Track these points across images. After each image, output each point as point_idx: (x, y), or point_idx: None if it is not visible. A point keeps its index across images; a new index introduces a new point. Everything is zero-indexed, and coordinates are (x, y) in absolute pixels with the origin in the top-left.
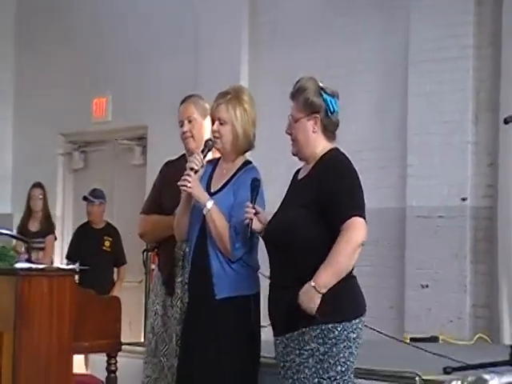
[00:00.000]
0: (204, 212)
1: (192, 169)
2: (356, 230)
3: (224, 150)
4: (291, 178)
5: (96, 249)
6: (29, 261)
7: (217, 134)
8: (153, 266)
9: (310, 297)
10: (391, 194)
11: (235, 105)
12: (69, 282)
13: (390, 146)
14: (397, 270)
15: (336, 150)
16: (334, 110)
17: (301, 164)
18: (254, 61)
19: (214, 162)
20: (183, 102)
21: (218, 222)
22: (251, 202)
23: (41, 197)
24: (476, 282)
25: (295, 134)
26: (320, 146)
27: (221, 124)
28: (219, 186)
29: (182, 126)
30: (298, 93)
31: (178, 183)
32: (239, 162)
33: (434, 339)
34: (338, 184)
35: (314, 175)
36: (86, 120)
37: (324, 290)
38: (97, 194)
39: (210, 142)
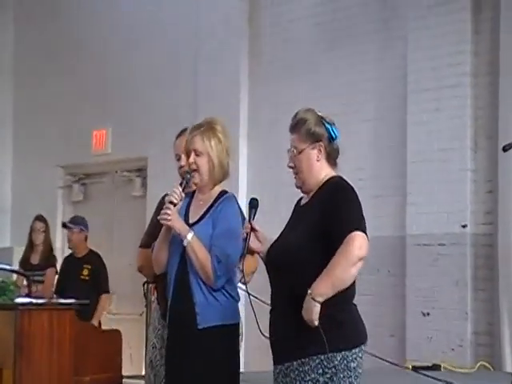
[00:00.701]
0: (185, 243)
1: (171, 202)
2: (354, 244)
3: (201, 182)
4: (293, 205)
5: (74, 278)
6: (29, 295)
7: (194, 166)
8: (153, 298)
9: (309, 307)
10: (391, 222)
11: (209, 136)
12: (69, 316)
13: (389, 175)
14: (397, 298)
15: (339, 177)
16: (335, 137)
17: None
18: (253, 91)
19: (190, 194)
20: (180, 135)
21: (200, 253)
22: (249, 220)
23: (43, 230)
24: (477, 309)
25: (299, 166)
26: (323, 172)
27: (197, 155)
28: (197, 218)
29: (179, 159)
30: (298, 125)
31: (158, 217)
32: (215, 192)
33: (435, 367)
34: (340, 205)
35: (316, 199)
36: (85, 152)
37: (320, 299)
38: (76, 221)
39: (188, 176)
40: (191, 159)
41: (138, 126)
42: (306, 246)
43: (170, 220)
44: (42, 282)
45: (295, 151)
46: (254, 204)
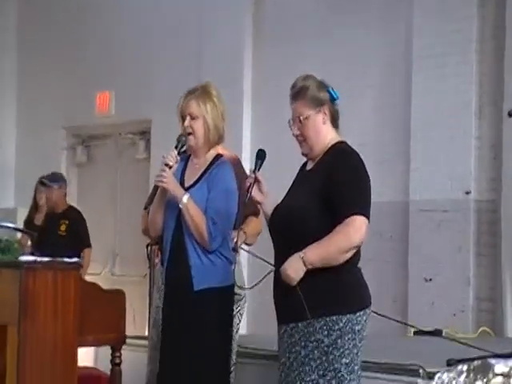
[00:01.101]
0: (180, 206)
1: (167, 165)
2: (356, 231)
3: (197, 145)
4: (298, 169)
5: (52, 233)
6: (34, 254)
7: (189, 130)
8: (156, 260)
9: (297, 268)
10: (395, 187)
11: (205, 99)
12: (74, 276)
13: (393, 141)
14: (400, 264)
15: (345, 143)
16: (337, 97)
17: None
18: (258, 56)
19: (185, 158)
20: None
21: (195, 214)
22: (254, 170)
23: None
24: (479, 276)
25: (306, 132)
26: (329, 136)
27: (192, 119)
28: (193, 181)
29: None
30: (301, 92)
31: (154, 180)
32: (210, 156)
33: (437, 333)
34: (347, 177)
35: (322, 165)
36: (89, 114)
37: (310, 267)
38: (55, 178)
39: (184, 138)
40: (186, 123)
41: (141, 89)
42: (309, 211)
43: (165, 182)
44: None
45: (301, 118)
46: (260, 155)
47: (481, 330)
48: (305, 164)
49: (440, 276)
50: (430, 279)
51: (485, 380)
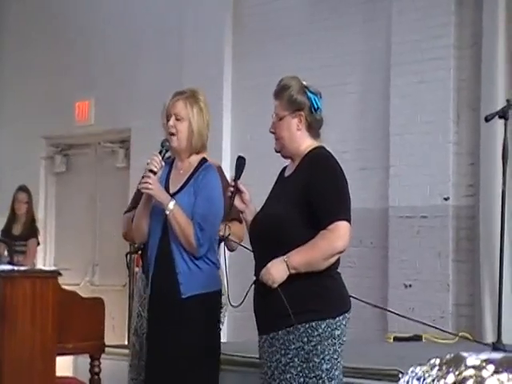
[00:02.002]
0: (167, 212)
1: (151, 171)
2: (340, 237)
3: (179, 147)
4: (277, 176)
5: None
6: (11, 263)
7: (173, 130)
8: (137, 269)
9: (280, 270)
10: (374, 194)
11: (192, 103)
12: (52, 284)
13: (372, 147)
14: (380, 270)
15: (322, 148)
16: (317, 108)
17: (286, 162)
18: (238, 63)
19: (169, 163)
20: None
21: (182, 221)
22: (235, 178)
23: (25, 200)
24: (458, 281)
25: (279, 132)
26: (304, 143)
27: (177, 120)
28: (178, 187)
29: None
30: (281, 91)
31: (138, 186)
32: (195, 161)
33: (417, 338)
34: (327, 183)
35: (299, 172)
36: (68, 123)
37: (293, 271)
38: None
39: (167, 143)
40: (171, 122)
41: (121, 98)
42: (287, 219)
43: (150, 189)
44: (23, 252)
45: (276, 117)
46: (240, 163)
47: (460, 335)
48: (283, 170)
49: (419, 282)
50: (410, 285)
51: (457, 372)
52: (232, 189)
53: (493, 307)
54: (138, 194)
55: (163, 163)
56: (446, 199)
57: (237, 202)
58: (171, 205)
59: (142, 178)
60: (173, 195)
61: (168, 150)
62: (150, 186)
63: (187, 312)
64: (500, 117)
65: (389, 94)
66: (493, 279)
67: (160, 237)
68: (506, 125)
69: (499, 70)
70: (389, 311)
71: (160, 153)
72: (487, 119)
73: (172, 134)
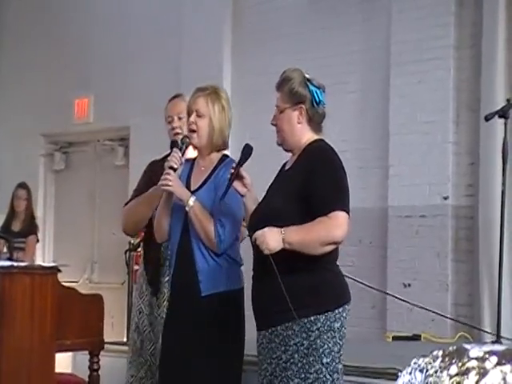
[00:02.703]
0: (187, 209)
1: (171, 167)
2: (338, 226)
3: (200, 144)
4: (278, 170)
5: None
6: (10, 259)
7: (194, 126)
8: (136, 267)
9: (277, 239)
10: (373, 193)
11: (214, 100)
12: (51, 280)
13: (371, 147)
14: (379, 270)
15: (321, 140)
16: (319, 101)
17: (287, 157)
18: (237, 61)
19: (191, 162)
20: (174, 98)
21: (202, 217)
22: (238, 163)
23: (25, 197)
24: (457, 281)
25: (280, 125)
26: (305, 136)
27: (198, 116)
28: (199, 184)
29: (171, 121)
30: (283, 83)
31: (159, 183)
32: (216, 157)
33: (416, 338)
34: (325, 174)
35: (298, 165)
36: (67, 121)
37: (287, 246)
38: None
39: (187, 139)
40: (192, 118)
41: (120, 95)
42: (287, 210)
43: (170, 186)
44: (22, 249)
45: (277, 110)
46: (246, 150)
47: (459, 335)
48: (285, 164)
49: (418, 281)
50: (409, 285)
51: (459, 364)
52: (232, 171)
53: (492, 307)
54: (139, 191)
55: (183, 159)
56: (445, 199)
57: (238, 186)
58: (191, 201)
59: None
60: (193, 192)
61: (188, 146)
62: (169, 183)
63: (207, 310)
64: (500, 116)
65: (388, 93)
66: (492, 279)
67: (181, 234)
68: (505, 124)
69: (499, 71)
70: (387, 294)
71: (180, 149)
72: (487, 118)
73: (193, 131)
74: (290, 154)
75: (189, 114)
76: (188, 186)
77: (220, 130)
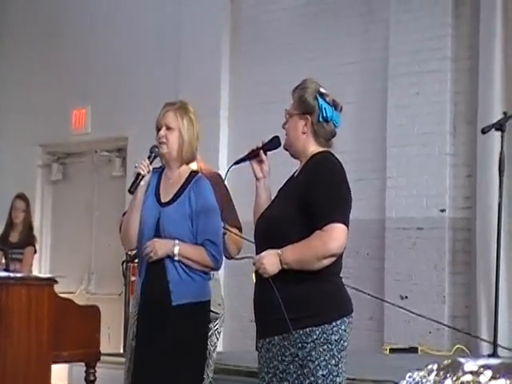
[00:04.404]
0: (176, 258)
1: (139, 174)
2: (335, 239)
3: (170, 156)
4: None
5: None
6: (7, 270)
7: (164, 140)
8: (133, 278)
9: (274, 262)
10: (371, 205)
11: (183, 113)
12: (48, 291)
13: (369, 158)
14: (376, 281)
15: (328, 152)
16: (326, 117)
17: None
18: (235, 73)
19: (159, 172)
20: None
21: (193, 254)
22: (263, 146)
23: (23, 209)
24: (455, 293)
25: (287, 129)
26: (310, 147)
27: (168, 129)
28: (170, 197)
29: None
30: (297, 89)
31: (143, 253)
32: (185, 172)
33: (413, 350)
34: (326, 185)
35: (303, 174)
36: (65, 131)
37: (285, 267)
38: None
39: (156, 149)
40: (162, 132)
41: (117, 106)
42: (289, 219)
43: (154, 254)
44: (20, 260)
45: (287, 113)
46: (274, 140)
47: (456, 347)
48: (294, 173)
49: (416, 293)
50: (406, 296)
51: (454, 378)
52: (254, 148)
53: (489, 319)
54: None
55: (151, 167)
56: (442, 211)
57: (257, 168)
58: (176, 249)
59: (134, 181)
60: (165, 204)
61: (157, 156)
62: (151, 254)
63: (177, 320)
64: (497, 129)
65: (386, 105)
66: (489, 292)
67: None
68: (502, 137)
69: (496, 83)
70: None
71: (149, 158)
72: (484, 131)
73: (163, 143)
74: (298, 162)
75: (158, 129)
76: (158, 197)
77: (189, 143)
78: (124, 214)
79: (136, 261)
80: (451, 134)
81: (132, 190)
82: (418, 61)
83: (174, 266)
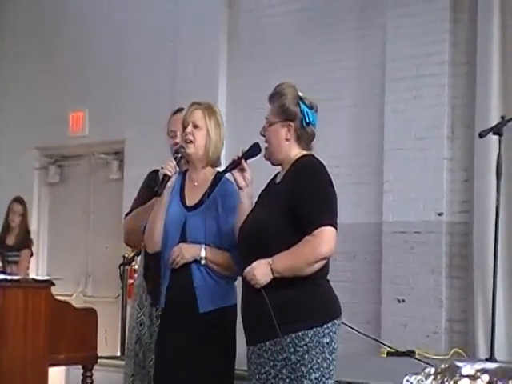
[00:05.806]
0: (203, 262)
1: (165, 175)
2: (325, 243)
3: (196, 155)
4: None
5: None
6: (3, 272)
7: (190, 137)
8: (130, 281)
9: (265, 273)
10: (368, 209)
11: (211, 114)
12: (44, 294)
13: (366, 162)
14: (373, 285)
15: (311, 155)
16: (309, 121)
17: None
18: (232, 76)
19: (182, 174)
20: (177, 112)
21: (219, 259)
22: (243, 155)
23: (20, 212)
24: (452, 297)
25: (268, 138)
26: (292, 152)
27: (195, 128)
28: (196, 201)
29: (174, 136)
30: (275, 97)
31: (170, 259)
32: (210, 174)
33: (410, 354)
34: (311, 189)
35: (287, 179)
36: (62, 134)
37: (277, 275)
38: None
39: (183, 150)
40: (188, 129)
41: (115, 109)
42: (274, 224)
43: (180, 259)
44: (16, 262)
45: (267, 122)
46: (254, 148)
47: (453, 351)
48: (275, 176)
49: (413, 297)
50: (403, 300)
51: (451, 382)
52: (235, 158)
53: (486, 323)
54: (140, 197)
55: (177, 168)
56: (439, 215)
57: (239, 178)
58: (202, 253)
59: (160, 182)
60: (191, 208)
61: (183, 156)
62: (177, 259)
63: (205, 327)
64: (494, 133)
65: (383, 109)
66: (486, 295)
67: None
68: (500, 141)
69: (493, 87)
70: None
71: (175, 159)
72: (481, 135)
73: (189, 142)
74: (280, 168)
75: (184, 126)
76: (182, 199)
77: (215, 144)
78: (127, 215)
79: (133, 264)
80: (448, 138)
81: (159, 191)
82: (415, 65)
83: (200, 272)
